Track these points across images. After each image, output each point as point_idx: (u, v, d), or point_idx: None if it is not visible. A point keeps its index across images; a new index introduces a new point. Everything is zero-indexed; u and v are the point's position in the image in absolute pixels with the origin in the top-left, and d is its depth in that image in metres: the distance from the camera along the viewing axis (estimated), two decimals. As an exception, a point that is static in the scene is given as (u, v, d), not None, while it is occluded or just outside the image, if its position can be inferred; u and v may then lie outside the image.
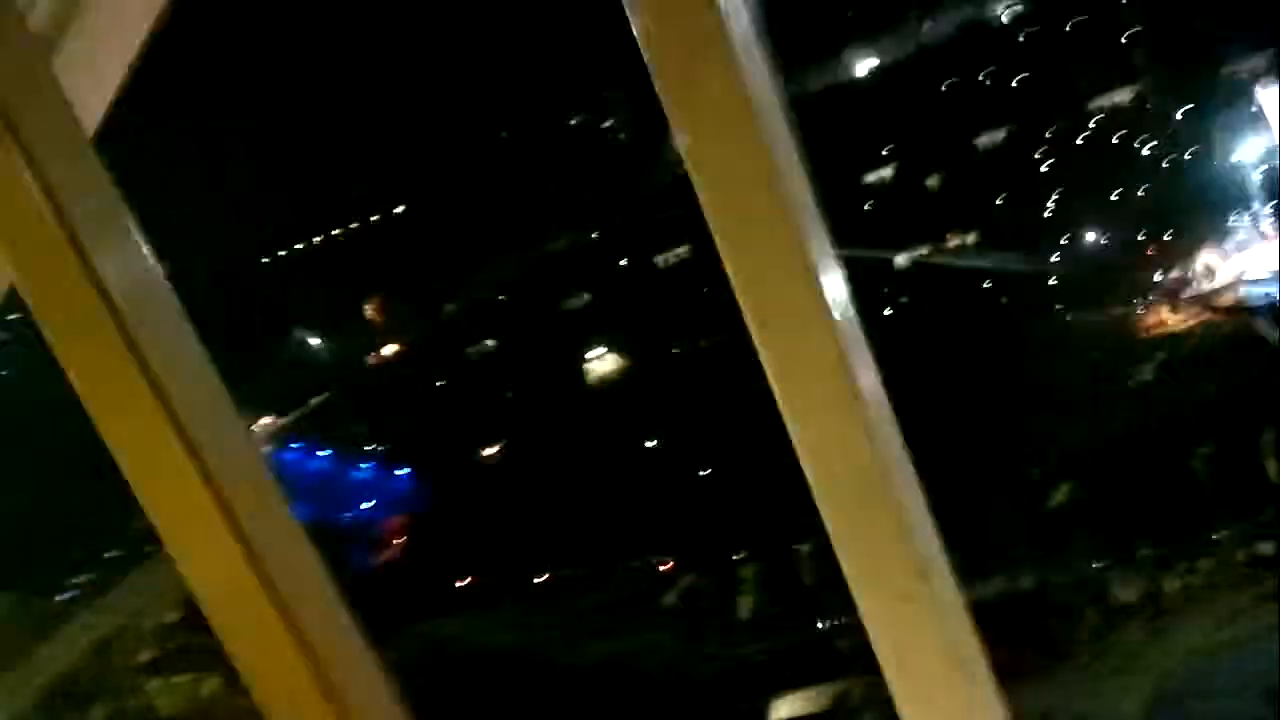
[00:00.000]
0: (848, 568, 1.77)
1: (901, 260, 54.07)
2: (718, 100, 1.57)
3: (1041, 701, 26.68)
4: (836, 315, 1.65)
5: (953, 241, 54.28)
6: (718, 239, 1.64)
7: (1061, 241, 49.59)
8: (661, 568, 39.45)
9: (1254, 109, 43.08)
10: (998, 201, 51.47)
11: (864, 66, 63.55)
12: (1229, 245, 46.04)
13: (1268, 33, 47.66)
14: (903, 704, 1.86)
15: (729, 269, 1.65)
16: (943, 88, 56.91)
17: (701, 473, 43.33)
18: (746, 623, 33.66)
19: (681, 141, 1.65)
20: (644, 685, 29.78)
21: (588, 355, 54.48)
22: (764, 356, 1.67)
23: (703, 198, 1.63)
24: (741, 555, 36.35)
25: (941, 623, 1.80)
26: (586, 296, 53.70)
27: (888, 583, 1.73)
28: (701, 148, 1.61)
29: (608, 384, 52.89)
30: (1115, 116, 56.19)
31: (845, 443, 1.65)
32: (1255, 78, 46.08)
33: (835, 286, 1.68)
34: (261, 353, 45.16)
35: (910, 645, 1.83)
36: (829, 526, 1.73)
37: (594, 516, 40.49)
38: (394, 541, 41.57)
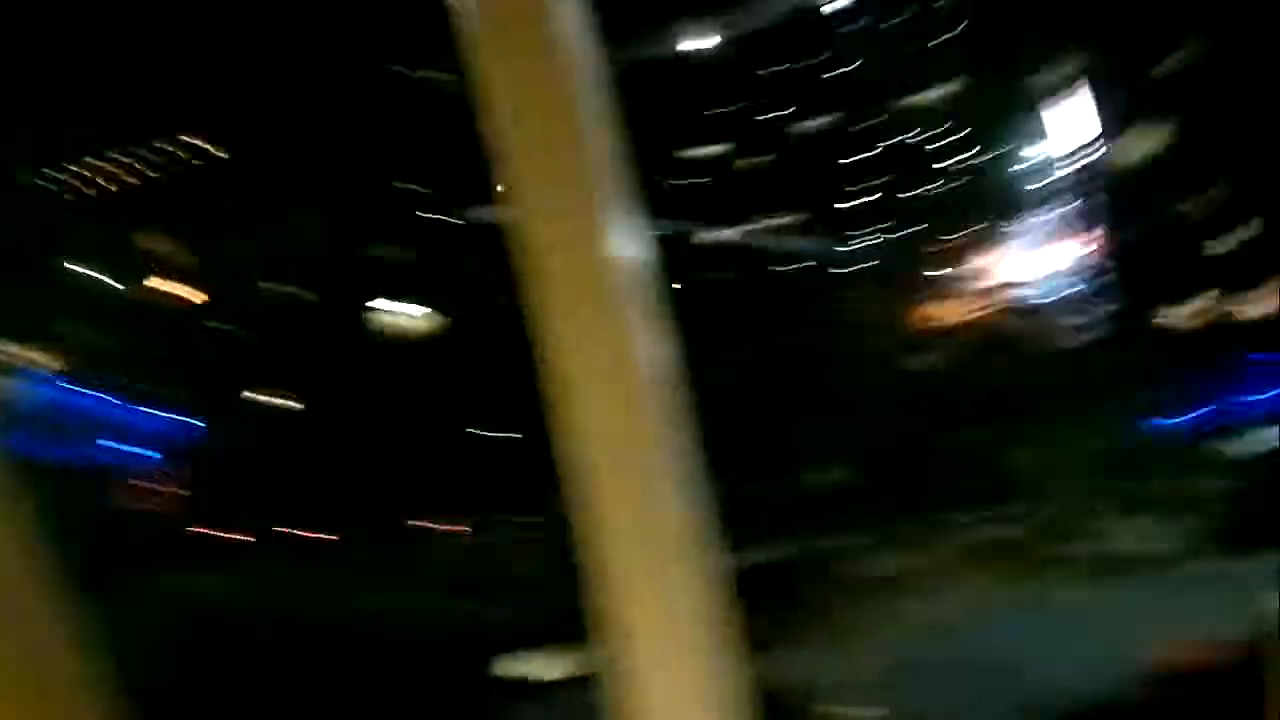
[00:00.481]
0: (602, 531, 1.82)
1: (705, 237, 55.27)
2: (523, 52, 1.53)
3: (785, 671, 27.91)
4: (624, 287, 1.69)
5: (762, 223, 55.82)
6: (508, 196, 1.62)
7: (861, 232, 51.43)
8: (448, 529, 39.28)
9: (1049, 119, 45.61)
10: (807, 189, 52.96)
11: (695, 41, 64.56)
12: (1010, 247, 48.72)
13: (1070, 45, 50.76)
14: (640, 669, 1.82)
15: (517, 228, 1.61)
16: (768, 72, 58.27)
17: (500, 435, 43.26)
18: (527, 584, 33.84)
19: (482, 93, 1.54)
20: (408, 645, 29.61)
21: (394, 310, 53.42)
22: (541, 320, 1.68)
23: (498, 155, 1.59)
24: (530, 519, 36.50)
25: (689, 591, 1.85)
26: (398, 249, 52.62)
27: (639, 547, 1.79)
28: (502, 104, 1.56)
29: (414, 340, 52.04)
30: (923, 115, 58.78)
31: (614, 411, 1.68)
32: (1054, 89, 48.80)
33: (628, 256, 1.73)
34: (34, 282, 42.43)
35: (655, 613, 1.79)
36: (587, 487, 1.74)
37: (385, 475, 39.88)
38: (165, 489, 39.96)
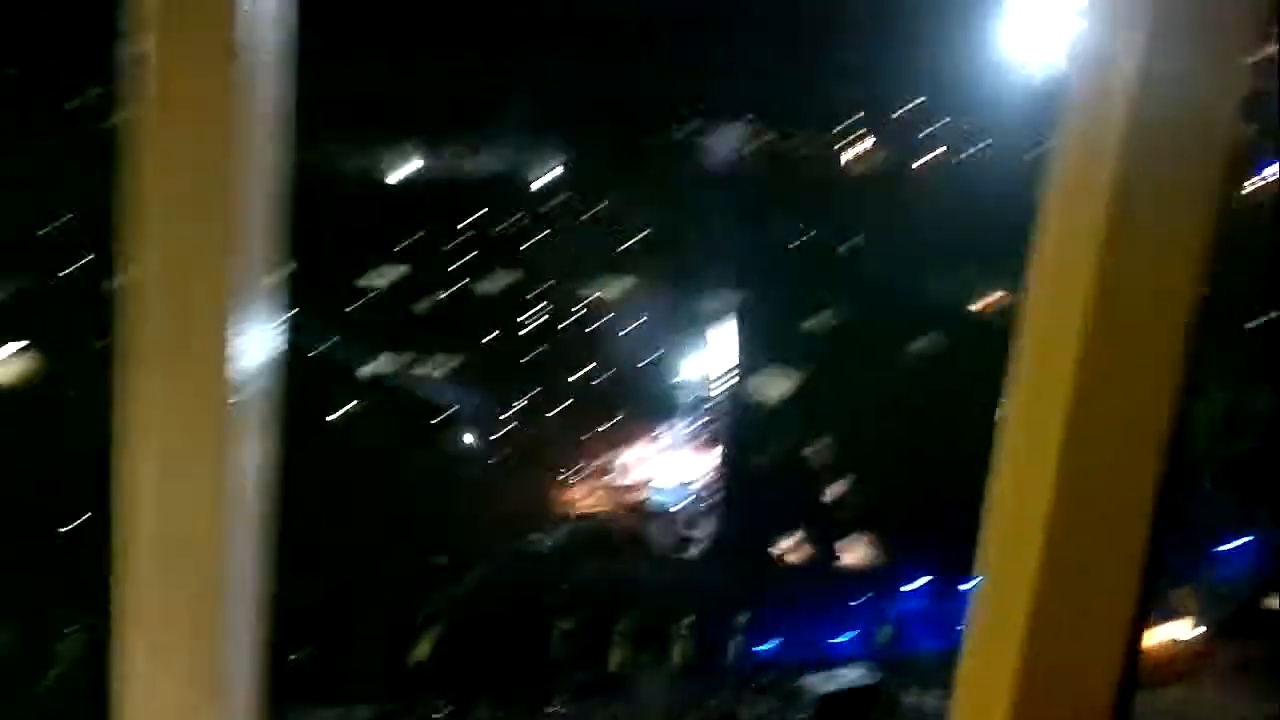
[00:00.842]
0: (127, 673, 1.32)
1: (366, 370, 54.12)
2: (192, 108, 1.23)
3: None
4: (234, 388, 1.31)
5: (425, 365, 55.37)
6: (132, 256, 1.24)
7: (515, 397, 52.11)
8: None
9: (708, 335, 48.99)
10: (469, 342, 53.26)
11: (402, 171, 64.41)
12: (652, 449, 50.99)
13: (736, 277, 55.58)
14: None
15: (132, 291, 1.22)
16: (461, 225, 59.13)
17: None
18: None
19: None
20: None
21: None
22: (130, 390, 1.25)
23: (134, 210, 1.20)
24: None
25: None
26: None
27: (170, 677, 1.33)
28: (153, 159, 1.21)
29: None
30: (598, 308, 61.71)
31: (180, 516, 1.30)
32: (718, 311, 52.84)
33: (247, 358, 1.35)
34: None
35: None
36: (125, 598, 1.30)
37: None
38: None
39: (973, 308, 63.21)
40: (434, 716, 30.14)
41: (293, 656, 30.61)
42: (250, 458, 1.40)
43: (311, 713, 28.16)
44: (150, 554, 1.34)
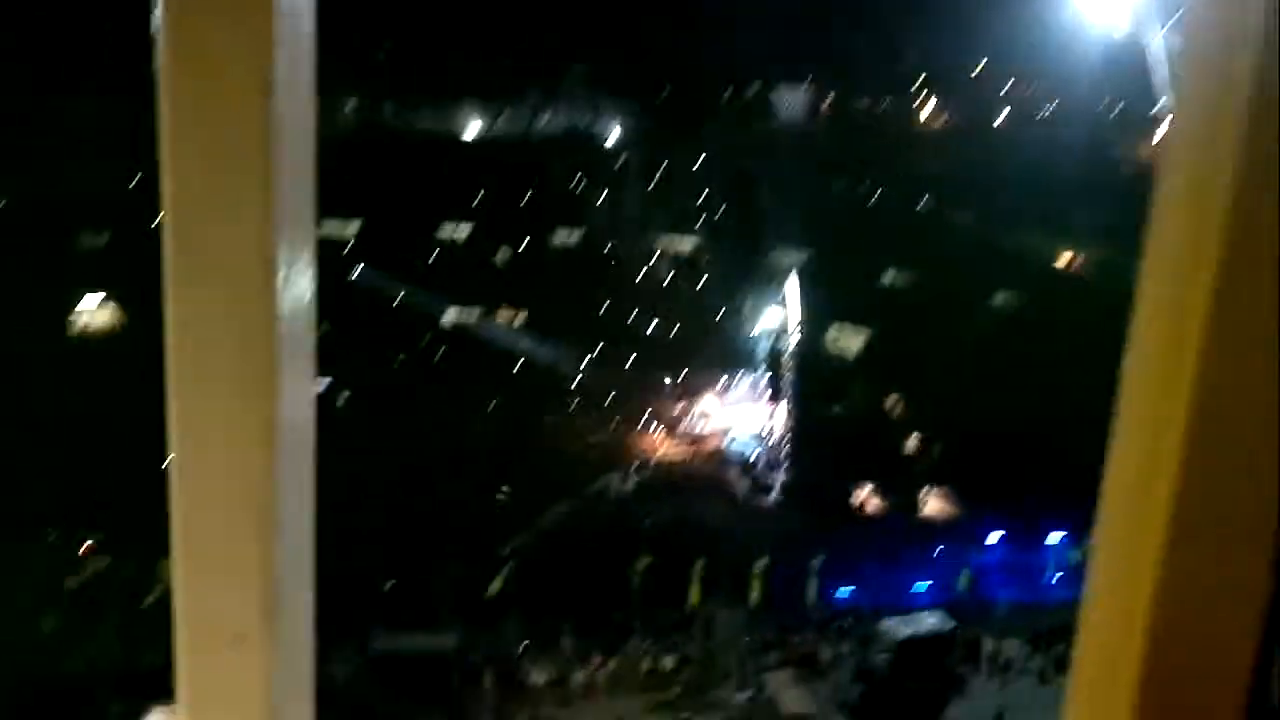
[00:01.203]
0: (181, 595, 1.32)
1: (449, 317, 54.95)
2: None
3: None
4: (281, 323, 1.28)
5: (502, 315, 56.10)
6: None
7: (596, 349, 52.59)
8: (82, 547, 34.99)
9: (783, 291, 48.91)
10: (552, 295, 53.70)
11: (473, 128, 65.03)
12: (730, 399, 51.23)
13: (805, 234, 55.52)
14: None
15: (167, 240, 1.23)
16: (538, 178, 59.62)
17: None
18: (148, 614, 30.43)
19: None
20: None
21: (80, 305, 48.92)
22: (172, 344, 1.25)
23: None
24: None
25: (267, 672, 1.35)
26: (105, 237, 48.32)
27: (222, 616, 1.33)
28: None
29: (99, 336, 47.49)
30: (676, 260, 61.92)
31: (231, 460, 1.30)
32: (792, 267, 52.67)
33: (296, 297, 1.31)
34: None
35: (219, 693, 1.34)
36: (175, 534, 1.28)
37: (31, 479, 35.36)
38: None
39: (1057, 264, 62.44)
40: (517, 647, 30.82)
41: (389, 584, 31.53)
42: (297, 393, 1.43)
43: (396, 639, 28.95)
44: (199, 485, 1.31)
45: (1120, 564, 1.11)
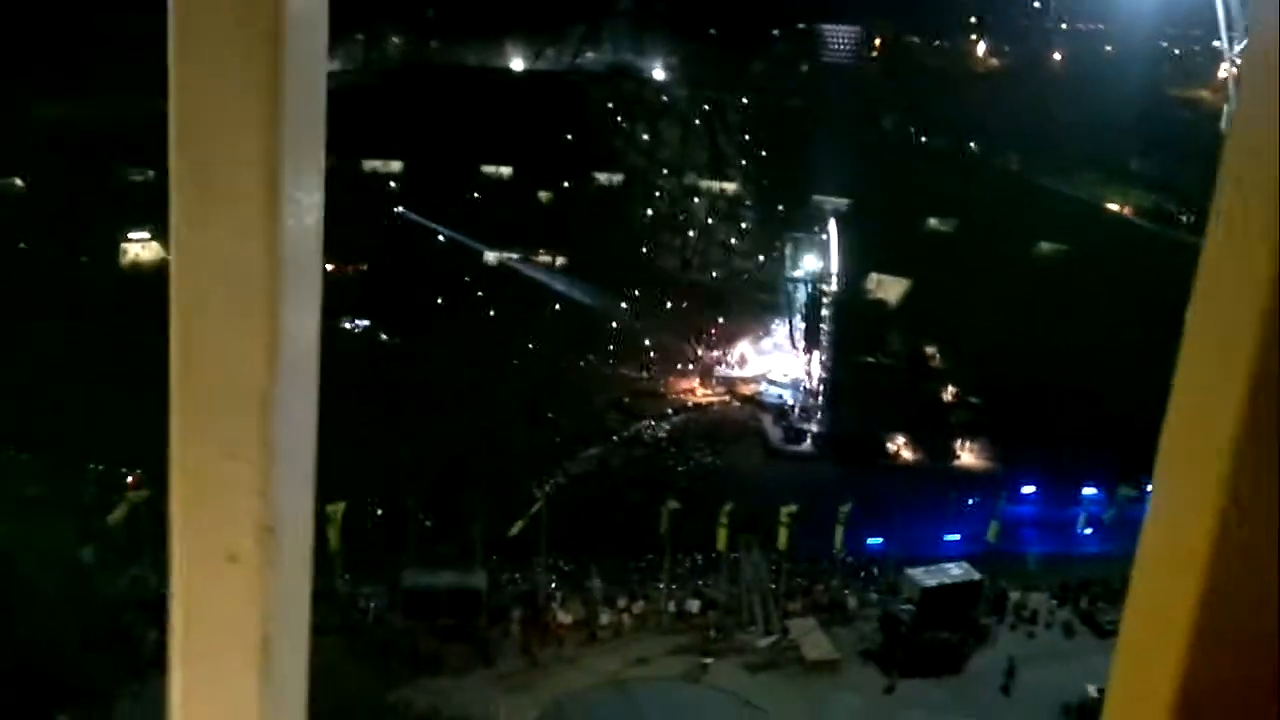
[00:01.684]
0: (177, 512, 1.28)
1: (489, 258, 55.10)
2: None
3: (443, 698, 26.99)
4: (286, 246, 1.25)
5: (541, 257, 56.08)
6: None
7: (634, 291, 52.53)
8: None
9: (824, 236, 48.23)
10: (595, 237, 53.55)
11: (517, 65, 64.43)
12: (766, 344, 51.09)
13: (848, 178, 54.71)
14: (179, 669, 1.32)
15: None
16: (581, 117, 59.02)
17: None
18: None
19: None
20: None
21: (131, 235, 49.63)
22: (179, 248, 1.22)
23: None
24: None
25: (261, 593, 1.32)
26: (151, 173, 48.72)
27: (216, 534, 1.30)
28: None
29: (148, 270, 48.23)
30: (716, 202, 61.29)
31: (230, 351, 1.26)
32: (834, 212, 51.96)
33: (302, 221, 1.26)
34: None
35: (212, 613, 1.31)
36: (172, 452, 1.26)
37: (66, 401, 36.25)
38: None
39: (1106, 212, 60.93)
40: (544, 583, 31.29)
41: (425, 521, 32.02)
42: (302, 318, 1.36)
43: (428, 575, 29.44)
44: (198, 407, 1.31)
45: (1174, 533, 1.10)
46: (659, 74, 65.13)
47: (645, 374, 47.91)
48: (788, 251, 51.44)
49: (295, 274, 1.24)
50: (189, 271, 1.23)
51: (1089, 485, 37.31)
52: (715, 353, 50.06)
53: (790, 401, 47.07)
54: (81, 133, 50.97)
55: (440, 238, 54.08)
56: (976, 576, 31.73)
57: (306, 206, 1.30)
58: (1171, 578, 1.08)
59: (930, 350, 50.41)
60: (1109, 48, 67.90)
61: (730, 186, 60.65)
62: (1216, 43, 46.35)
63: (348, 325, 47.88)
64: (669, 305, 52.45)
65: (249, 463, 1.27)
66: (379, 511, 33.03)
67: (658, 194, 59.72)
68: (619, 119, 61.89)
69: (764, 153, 60.75)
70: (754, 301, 52.60)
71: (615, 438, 41.89)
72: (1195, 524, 1.05)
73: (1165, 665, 1.11)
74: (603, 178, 58.97)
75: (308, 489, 1.38)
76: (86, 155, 49.84)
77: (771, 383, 48.26)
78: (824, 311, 46.77)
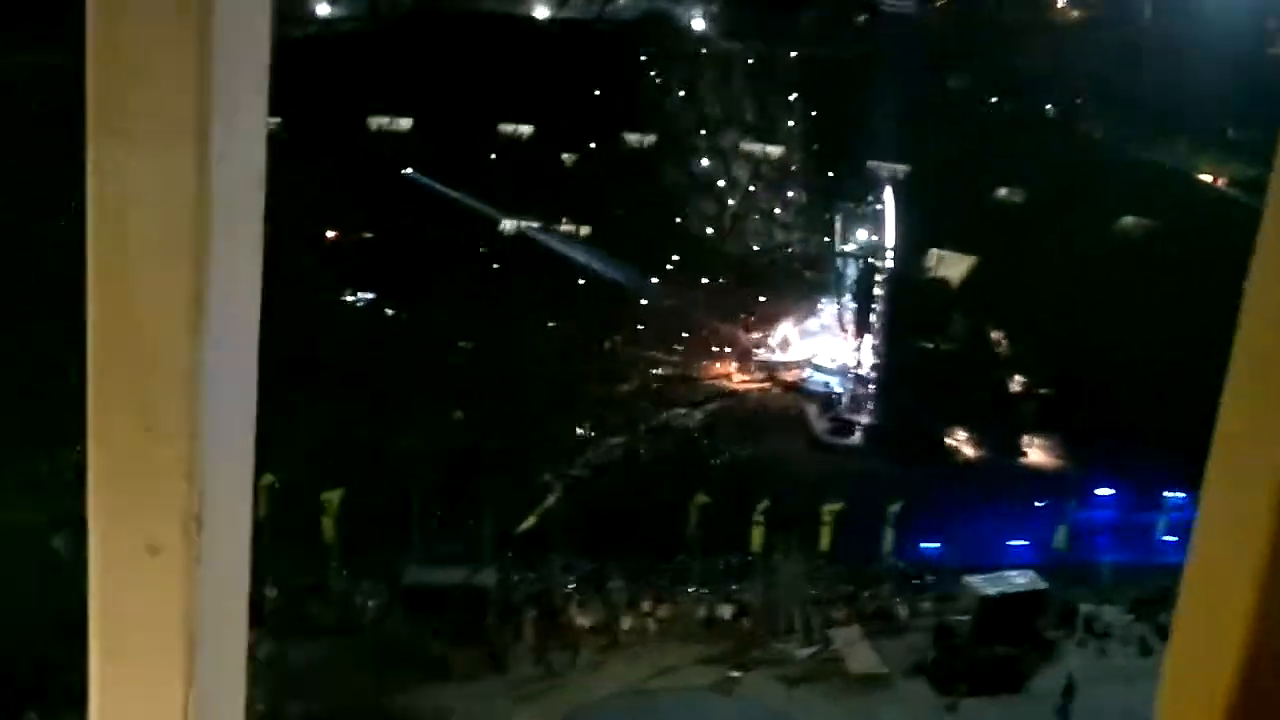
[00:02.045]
0: (94, 499, 1.30)
1: (506, 227, 55.31)
2: None
3: (456, 701, 27.29)
4: (218, 192, 1.23)
5: (565, 226, 56.23)
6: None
7: (666, 267, 52.65)
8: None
9: (879, 207, 48.09)
10: (624, 204, 53.64)
11: (540, 11, 64.36)
12: (811, 326, 51.07)
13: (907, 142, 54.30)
14: (97, 672, 1.30)
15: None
16: (610, 71, 58.84)
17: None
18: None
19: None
20: None
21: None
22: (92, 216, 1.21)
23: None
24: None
25: (186, 588, 1.33)
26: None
27: (137, 524, 1.30)
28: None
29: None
30: (759, 168, 61.11)
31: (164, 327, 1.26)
32: (891, 180, 51.60)
33: (238, 167, 1.27)
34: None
35: (130, 611, 1.27)
36: (90, 428, 1.27)
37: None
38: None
39: (1198, 185, 60.16)
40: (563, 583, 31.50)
41: (435, 512, 32.36)
42: (237, 271, 1.31)
43: (431, 572, 29.74)
44: (117, 374, 1.23)
45: (1225, 544, 1.12)
46: (698, 23, 64.82)
47: (676, 357, 48.02)
48: (838, 223, 51.34)
49: (228, 231, 1.20)
50: (106, 219, 1.18)
51: (1171, 488, 37.05)
52: (755, 335, 50.10)
53: (837, 390, 47.08)
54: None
55: (452, 204, 54.32)
56: (1043, 586, 31.64)
57: (246, 150, 1.29)
58: (1222, 589, 1.12)
59: (996, 335, 50.19)
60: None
61: (775, 150, 60.38)
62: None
63: (349, 299, 48.32)
64: (704, 281, 52.50)
65: (172, 440, 1.21)
66: (380, 501, 33.37)
67: (694, 158, 59.65)
68: (652, 74, 61.72)
69: (813, 113, 60.40)
70: (799, 278, 52.57)
71: (642, 426, 42.09)
72: (1246, 535, 1.09)
73: (1216, 680, 1.14)
74: (633, 139, 58.86)
75: (245, 473, 1.33)
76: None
77: (817, 368, 48.28)
78: (877, 290, 46.66)
